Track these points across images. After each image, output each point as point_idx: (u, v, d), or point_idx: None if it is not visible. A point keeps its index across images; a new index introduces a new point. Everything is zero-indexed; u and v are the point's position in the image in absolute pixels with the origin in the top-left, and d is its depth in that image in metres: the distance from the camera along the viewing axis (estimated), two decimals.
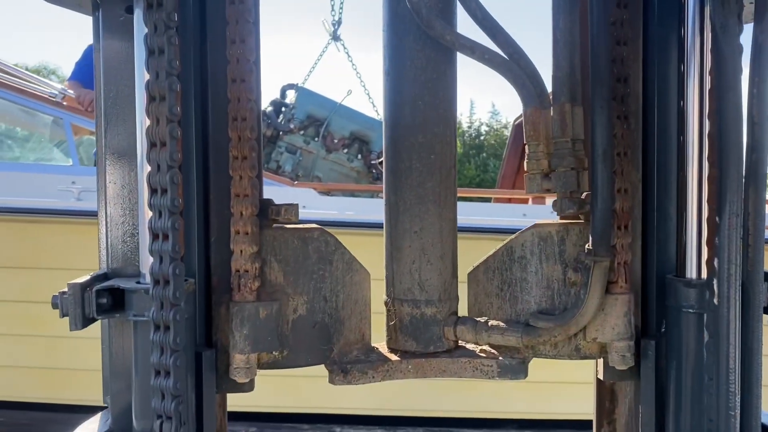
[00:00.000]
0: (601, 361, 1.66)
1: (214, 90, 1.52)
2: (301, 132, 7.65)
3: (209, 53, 1.52)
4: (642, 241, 1.60)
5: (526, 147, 1.56)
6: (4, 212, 4.67)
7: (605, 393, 1.84)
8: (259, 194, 1.56)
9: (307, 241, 1.58)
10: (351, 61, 8.45)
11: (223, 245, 1.53)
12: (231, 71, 1.50)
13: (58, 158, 5.97)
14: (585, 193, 1.56)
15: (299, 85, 7.99)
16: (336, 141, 7.70)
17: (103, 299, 1.40)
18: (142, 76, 1.37)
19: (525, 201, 6.98)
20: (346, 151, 7.79)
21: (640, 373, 1.59)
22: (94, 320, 1.42)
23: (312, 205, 4.93)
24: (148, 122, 1.27)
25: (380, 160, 7.77)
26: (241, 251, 1.50)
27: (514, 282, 1.64)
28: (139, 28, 1.38)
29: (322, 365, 1.63)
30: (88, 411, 1.61)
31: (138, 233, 1.49)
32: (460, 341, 1.70)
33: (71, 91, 5.93)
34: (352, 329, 1.67)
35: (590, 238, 1.51)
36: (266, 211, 1.56)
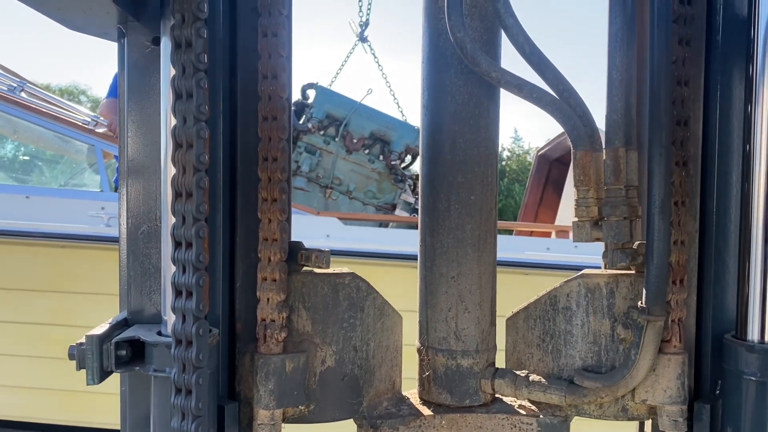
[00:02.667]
0: (648, 423, 1.55)
1: (244, 130, 1.43)
2: (321, 132, 7.50)
3: (239, 87, 1.43)
4: (697, 297, 1.49)
5: (575, 192, 1.45)
6: (34, 236, 4.72)
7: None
8: (288, 237, 1.47)
9: (337, 288, 1.49)
10: (377, 62, 8.36)
11: (249, 291, 1.44)
12: (263, 108, 1.42)
13: (89, 184, 6.04)
14: (637, 243, 1.45)
15: (318, 84, 7.86)
16: (356, 141, 7.54)
17: (122, 351, 1.33)
18: (168, 110, 1.29)
19: (548, 234, 6.83)
20: (367, 151, 7.62)
21: (700, 394, 1.47)
22: (111, 373, 1.35)
23: (336, 235, 4.87)
24: (173, 170, 1.19)
25: (400, 161, 7.68)
26: (268, 299, 1.41)
27: (558, 334, 1.53)
28: (166, 62, 1.30)
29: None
30: None
31: (161, 275, 1.41)
32: (497, 395, 1.60)
33: (103, 118, 6.02)
34: (383, 378, 1.58)
35: (644, 295, 1.40)
36: (295, 255, 1.47)
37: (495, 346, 1.62)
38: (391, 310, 1.58)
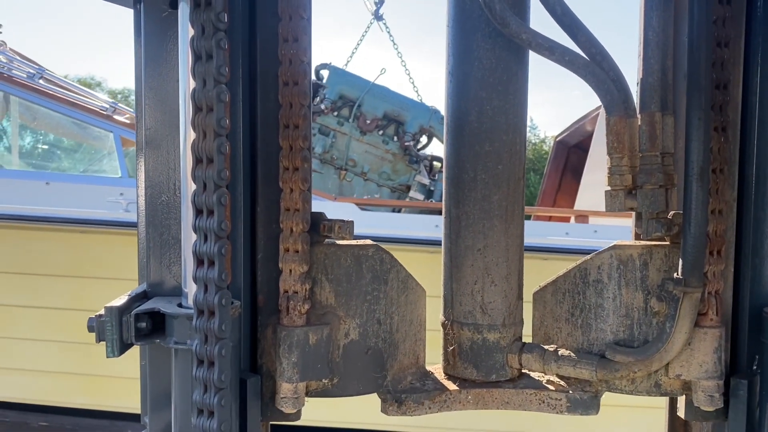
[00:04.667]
0: (682, 399, 1.49)
1: (263, 96, 1.39)
2: (335, 113, 7.37)
3: (259, 55, 1.39)
4: (735, 269, 1.43)
5: (608, 160, 1.39)
6: (54, 222, 4.75)
7: (678, 425, 1.67)
8: (310, 207, 1.43)
9: (361, 260, 1.45)
10: (393, 40, 8.25)
11: (271, 263, 1.40)
12: (283, 73, 1.37)
13: (108, 170, 6.07)
14: (673, 213, 1.39)
15: (332, 64, 7.71)
16: (369, 122, 7.40)
17: (142, 323, 1.30)
18: (186, 76, 1.26)
19: (566, 219, 6.73)
20: (381, 132, 7.49)
21: (728, 415, 1.42)
22: (131, 346, 1.32)
23: (355, 220, 4.83)
24: (193, 134, 1.15)
25: (415, 141, 7.59)
26: (291, 271, 1.37)
27: (588, 308, 1.47)
28: (184, 25, 1.26)
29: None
30: (131, 418, 1.53)
31: (180, 246, 1.37)
32: (524, 370, 1.55)
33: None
34: (407, 353, 1.54)
35: (680, 266, 1.34)
36: (317, 227, 1.43)
37: (522, 320, 1.57)
38: (414, 283, 1.54)
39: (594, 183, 7.47)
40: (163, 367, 1.36)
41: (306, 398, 1.43)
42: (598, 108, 7.25)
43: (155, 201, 1.40)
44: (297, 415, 1.44)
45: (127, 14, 1.51)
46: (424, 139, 7.82)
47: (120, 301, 1.30)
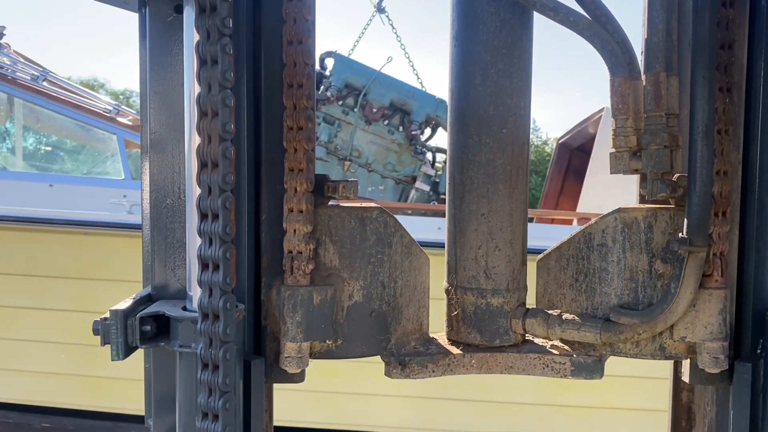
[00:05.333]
0: (686, 362, 1.47)
1: (268, 53, 1.37)
2: (340, 102, 7.30)
3: (263, 11, 1.38)
4: (740, 233, 1.42)
5: (612, 122, 1.37)
6: (58, 224, 4.76)
7: (681, 411, 1.66)
8: (314, 167, 1.42)
9: (365, 222, 1.44)
10: (396, 32, 8.22)
11: (275, 224, 1.40)
12: (287, 32, 1.35)
13: (111, 172, 6.09)
14: (678, 175, 1.38)
15: (337, 52, 7.64)
16: (375, 111, 7.32)
17: (147, 326, 1.30)
18: (191, 80, 1.26)
19: (569, 222, 6.73)
20: (386, 122, 7.42)
21: (734, 377, 1.40)
22: (136, 349, 1.32)
23: None
24: (198, 137, 1.16)
25: (421, 131, 7.55)
26: (295, 231, 1.37)
27: (592, 272, 1.47)
28: (189, 30, 1.27)
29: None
30: (134, 420, 1.52)
31: (185, 249, 1.38)
32: (528, 335, 1.55)
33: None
34: (410, 318, 1.53)
35: (685, 225, 1.33)
36: (321, 188, 1.42)
37: (526, 286, 1.56)
38: (418, 250, 1.54)
39: (597, 185, 7.46)
40: (168, 370, 1.36)
41: (310, 360, 1.42)
42: (601, 110, 7.25)
43: (160, 204, 1.41)
44: (301, 377, 1.44)
45: (130, 16, 1.52)
46: (429, 131, 7.78)
47: (125, 304, 1.31)
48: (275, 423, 1.58)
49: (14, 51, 6.07)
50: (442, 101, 7.49)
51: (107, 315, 1.28)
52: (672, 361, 1.69)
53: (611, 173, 1.41)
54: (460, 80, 1.50)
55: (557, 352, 1.49)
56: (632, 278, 1.43)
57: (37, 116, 6.29)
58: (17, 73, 5.72)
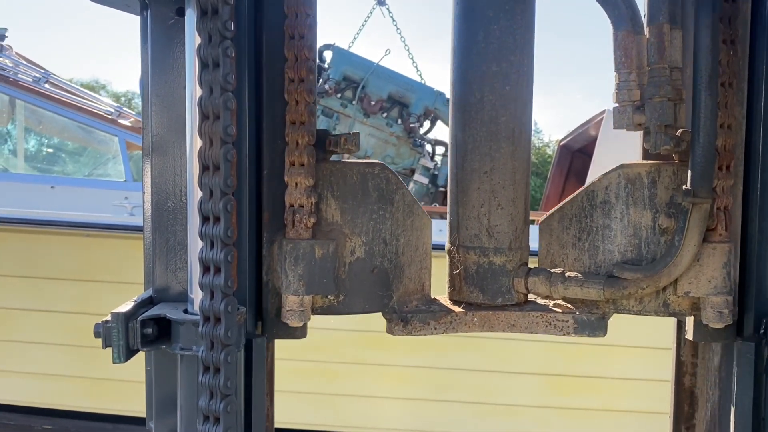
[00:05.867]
0: (690, 320, 1.46)
1: (269, 2, 1.36)
2: (338, 95, 7.27)
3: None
4: (744, 186, 1.40)
5: (615, 76, 1.36)
6: (59, 226, 4.76)
7: (684, 395, 1.66)
8: (315, 120, 1.41)
9: (366, 177, 1.44)
10: (395, 25, 8.20)
11: (276, 179, 1.39)
12: None
13: (113, 173, 6.10)
14: (681, 130, 1.36)
15: (335, 45, 7.61)
16: (373, 103, 7.30)
17: (148, 329, 1.30)
18: (193, 83, 1.26)
19: None
20: (385, 115, 7.39)
21: (736, 358, 1.38)
22: (137, 351, 1.32)
23: None
24: (199, 140, 1.16)
25: (419, 124, 7.52)
26: (296, 184, 1.37)
27: (595, 230, 1.46)
28: (191, 32, 1.27)
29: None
30: (135, 422, 1.52)
31: (186, 252, 1.38)
32: (531, 295, 1.54)
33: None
34: (412, 278, 1.52)
35: (689, 176, 1.32)
36: (323, 144, 1.41)
37: (528, 246, 1.55)
38: (420, 210, 1.53)
39: None
40: (169, 372, 1.36)
41: (312, 315, 1.42)
42: (602, 113, 7.24)
43: (161, 207, 1.41)
44: (303, 332, 1.43)
45: (131, 18, 1.52)
46: (428, 124, 7.77)
47: (126, 307, 1.31)
48: (276, 425, 1.58)
49: (16, 53, 6.08)
50: (440, 94, 7.47)
51: (108, 318, 1.28)
52: (672, 364, 1.69)
53: (614, 128, 1.39)
54: (463, 37, 1.49)
55: (560, 311, 1.48)
56: (635, 234, 1.42)
57: (38, 118, 6.30)
58: (19, 75, 5.73)
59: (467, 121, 1.49)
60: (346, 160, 1.46)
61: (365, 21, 8.22)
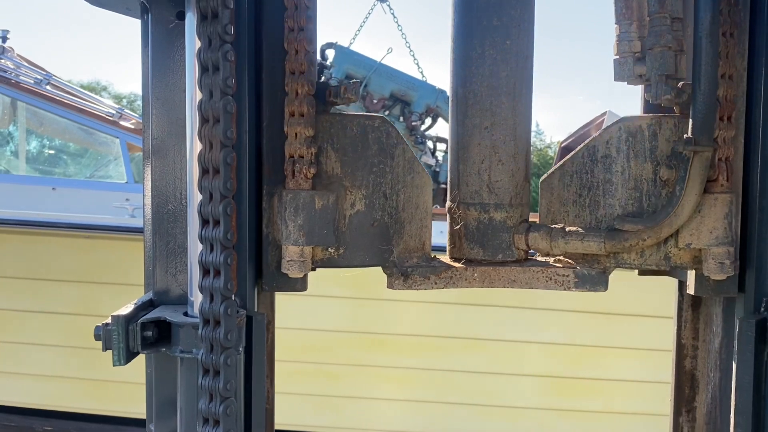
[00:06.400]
0: (692, 275, 1.45)
1: None
2: None
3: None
4: (745, 138, 1.39)
5: (616, 28, 1.36)
6: (60, 227, 4.77)
7: (685, 378, 1.65)
8: (316, 69, 1.40)
9: (366, 130, 1.43)
10: (396, 22, 8.20)
11: (276, 131, 1.38)
12: None
13: (114, 175, 6.11)
14: (682, 83, 1.36)
15: (337, 43, 7.63)
16: (375, 101, 7.34)
17: (148, 332, 1.31)
18: (193, 86, 1.27)
19: None
20: (387, 113, 7.41)
21: (738, 335, 1.36)
22: (138, 354, 1.33)
23: None
24: (200, 145, 1.17)
25: (421, 122, 7.50)
26: (296, 135, 1.35)
27: (596, 185, 1.45)
28: (191, 36, 1.27)
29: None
30: (136, 423, 1.52)
31: (187, 255, 1.38)
32: (531, 251, 1.53)
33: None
34: (413, 235, 1.51)
35: (690, 125, 1.32)
36: (323, 95, 1.41)
37: (529, 203, 1.55)
38: (420, 168, 1.53)
39: None
40: (169, 375, 1.37)
41: (313, 268, 1.41)
42: (603, 114, 7.24)
43: (161, 209, 1.41)
44: (303, 284, 1.43)
45: (132, 21, 1.53)
46: (429, 121, 7.78)
47: (126, 309, 1.31)
48: (276, 427, 1.58)
49: (18, 55, 6.09)
50: (442, 91, 7.48)
51: (109, 320, 1.28)
52: (672, 347, 1.67)
53: (615, 80, 1.39)
54: None
55: (560, 266, 1.48)
56: (636, 187, 1.42)
57: (40, 120, 6.31)
58: (21, 77, 5.75)
59: (468, 75, 1.49)
60: (347, 113, 1.45)
61: (366, 17, 8.22)
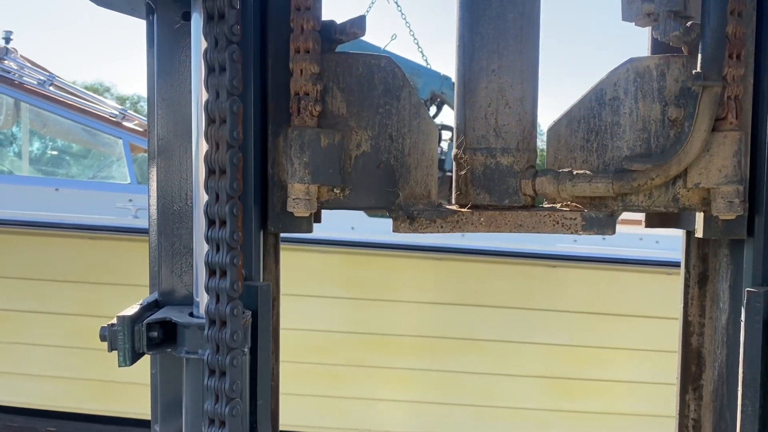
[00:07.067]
0: (700, 218, 1.44)
1: None
2: None
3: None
4: (754, 78, 1.38)
5: None
6: (64, 228, 4.77)
7: (691, 356, 1.63)
8: (321, 5, 1.39)
9: (372, 69, 1.43)
10: (400, 9, 8.18)
11: (281, 67, 1.38)
12: None
13: (117, 176, 6.11)
14: (690, 22, 1.35)
15: None
16: None
17: (154, 332, 1.31)
18: (199, 87, 1.27)
19: None
20: None
21: (745, 306, 1.34)
22: (143, 355, 1.33)
23: (361, 227, 4.84)
24: (205, 144, 1.17)
25: (426, 107, 7.45)
26: (302, 71, 1.35)
27: (604, 128, 1.44)
28: (197, 36, 1.27)
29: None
30: (140, 424, 1.52)
31: (192, 255, 1.38)
32: (539, 196, 1.52)
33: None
34: (418, 182, 1.51)
35: (699, 60, 1.31)
36: (328, 33, 1.40)
37: (536, 149, 1.55)
38: (426, 115, 1.52)
39: None
40: (174, 375, 1.37)
41: (319, 209, 1.41)
42: None
43: (167, 210, 1.41)
44: (309, 226, 1.42)
45: (137, 21, 1.53)
46: (433, 109, 7.76)
47: (132, 310, 1.31)
48: (280, 427, 1.58)
49: (21, 56, 6.09)
50: (447, 78, 7.48)
51: (114, 321, 1.28)
52: (677, 372, 1.67)
53: (623, 20, 1.38)
54: None
55: (568, 210, 1.46)
56: (645, 129, 1.41)
57: (43, 121, 6.32)
58: (24, 78, 5.75)
59: (474, 19, 1.49)
60: (353, 52, 1.44)
61: (370, 7, 8.19)
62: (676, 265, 1.73)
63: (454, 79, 1.56)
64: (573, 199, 1.47)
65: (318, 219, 1.50)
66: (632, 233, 4.68)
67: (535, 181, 1.47)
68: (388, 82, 1.44)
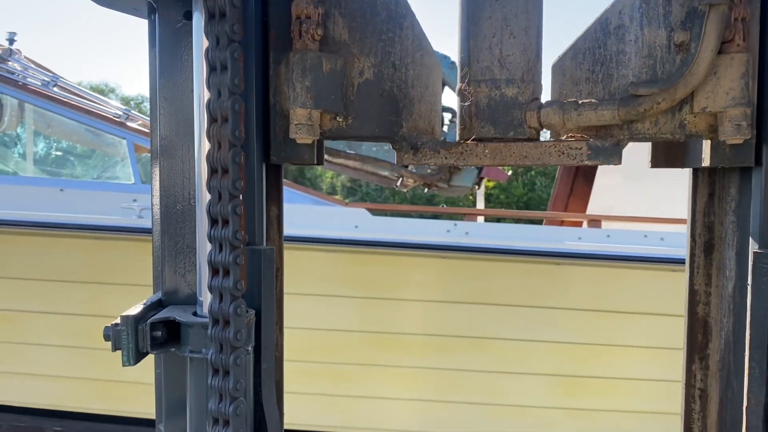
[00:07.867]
0: (707, 147, 1.42)
1: None
2: None
3: None
4: (762, 0, 1.37)
5: None
6: (68, 228, 4.78)
7: (697, 325, 1.62)
8: None
9: None
10: None
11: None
12: None
13: (121, 176, 6.12)
14: None
15: None
16: None
17: (157, 332, 1.31)
18: (200, 86, 1.26)
19: (579, 224, 6.70)
20: None
21: (753, 269, 1.32)
22: (147, 354, 1.33)
23: (365, 226, 4.84)
24: (208, 145, 1.16)
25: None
26: None
27: (609, 58, 1.43)
28: (198, 36, 1.27)
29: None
30: (145, 424, 1.52)
31: (195, 254, 1.38)
32: (544, 128, 1.50)
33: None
34: (422, 116, 1.50)
35: None
36: None
37: (541, 82, 1.53)
38: (430, 48, 1.51)
39: (607, 187, 7.42)
40: (178, 375, 1.37)
41: (321, 138, 1.40)
42: None
43: (170, 210, 1.41)
44: (311, 156, 1.42)
45: (139, 22, 1.53)
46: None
47: (135, 309, 1.31)
48: (285, 426, 1.58)
49: (25, 57, 6.11)
50: (446, 57, 7.45)
51: (118, 321, 1.28)
52: (684, 342, 1.64)
53: None
54: None
55: (573, 140, 1.45)
56: (650, 55, 1.40)
57: (47, 121, 6.33)
58: (28, 79, 5.76)
59: None
60: None
61: None
62: (681, 261, 1.71)
63: (457, 9, 1.54)
64: (578, 129, 1.45)
65: (321, 159, 1.48)
66: (637, 230, 4.68)
67: (540, 113, 1.45)
68: (391, 9, 1.43)
